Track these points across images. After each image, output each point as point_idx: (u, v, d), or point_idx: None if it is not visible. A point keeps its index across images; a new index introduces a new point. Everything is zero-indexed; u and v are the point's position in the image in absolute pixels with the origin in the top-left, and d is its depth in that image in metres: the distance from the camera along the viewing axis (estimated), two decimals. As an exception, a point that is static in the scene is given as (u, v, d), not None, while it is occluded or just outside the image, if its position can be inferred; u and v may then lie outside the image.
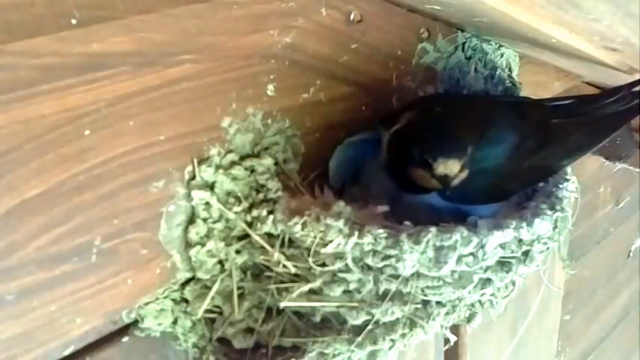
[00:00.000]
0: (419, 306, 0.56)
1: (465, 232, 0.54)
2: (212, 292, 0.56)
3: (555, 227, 0.61)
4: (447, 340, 0.70)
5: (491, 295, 0.61)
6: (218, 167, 0.55)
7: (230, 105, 0.55)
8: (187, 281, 0.57)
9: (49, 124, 0.44)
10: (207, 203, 0.55)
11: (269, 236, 0.56)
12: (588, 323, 1.40)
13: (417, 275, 0.55)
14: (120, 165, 0.49)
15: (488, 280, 0.58)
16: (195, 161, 0.54)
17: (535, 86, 0.89)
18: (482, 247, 0.55)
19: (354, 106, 0.66)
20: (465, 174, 0.56)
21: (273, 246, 0.55)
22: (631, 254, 1.51)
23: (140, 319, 0.55)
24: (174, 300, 0.57)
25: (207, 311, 0.57)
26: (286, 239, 0.55)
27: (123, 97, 0.48)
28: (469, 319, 0.62)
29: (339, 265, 0.53)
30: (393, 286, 0.54)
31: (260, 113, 0.58)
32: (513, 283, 0.62)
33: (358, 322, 0.55)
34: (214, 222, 0.55)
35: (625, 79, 0.69)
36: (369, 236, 0.53)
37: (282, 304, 0.55)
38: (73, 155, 0.46)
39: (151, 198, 0.52)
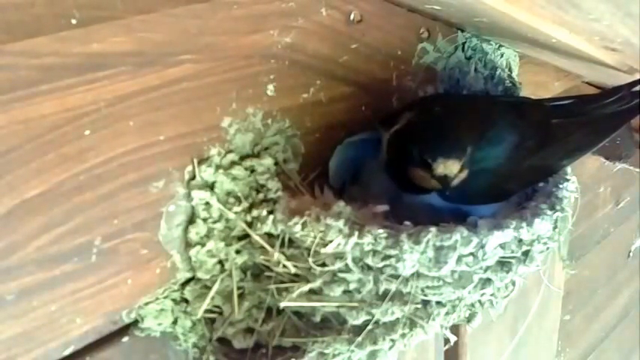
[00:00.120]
0: (419, 306, 0.56)
1: (465, 232, 0.54)
2: (212, 292, 0.56)
3: (555, 227, 0.61)
4: (447, 340, 0.70)
5: (491, 295, 0.61)
6: (218, 167, 0.55)
7: (230, 105, 0.55)
8: (187, 281, 0.57)
9: (49, 124, 0.44)
10: (207, 203, 0.55)
11: (269, 236, 0.56)
12: (588, 323, 1.40)
13: (417, 275, 0.55)
14: (120, 165, 0.49)
15: (488, 280, 0.58)
16: (195, 161, 0.54)
17: (535, 86, 0.89)
18: (483, 247, 0.55)
19: (354, 106, 0.66)
20: (464, 174, 0.56)
21: (273, 246, 0.55)
22: (631, 254, 1.51)
23: (140, 319, 0.55)
24: (174, 300, 0.57)
25: (207, 311, 0.57)
26: (286, 239, 0.55)
27: (123, 97, 0.48)
28: (469, 319, 0.62)
29: (339, 265, 0.53)
30: (393, 286, 0.54)
31: (260, 113, 0.58)
32: (513, 283, 0.62)
33: (358, 322, 0.55)
34: (214, 222, 0.56)
35: (625, 79, 0.69)
36: (369, 236, 0.53)
37: (282, 304, 0.55)
38: (73, 155, 0.46)
39: (151, 198, 0.52)
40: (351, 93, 0.65)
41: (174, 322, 0.57)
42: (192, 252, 0.55)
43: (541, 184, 0.65)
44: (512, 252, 0.58)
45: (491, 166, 0.60)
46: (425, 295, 0.56)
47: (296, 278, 0.55)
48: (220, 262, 0.57)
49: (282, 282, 0.56)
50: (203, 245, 0.55)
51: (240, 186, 0.56)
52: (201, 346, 0.58)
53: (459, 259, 0.55)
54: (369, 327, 0.55)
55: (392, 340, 0.56)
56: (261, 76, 0.57)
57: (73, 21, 0.43)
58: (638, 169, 1.17)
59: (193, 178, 0.54)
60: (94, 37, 0.45)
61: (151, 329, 0.56)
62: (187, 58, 0.51)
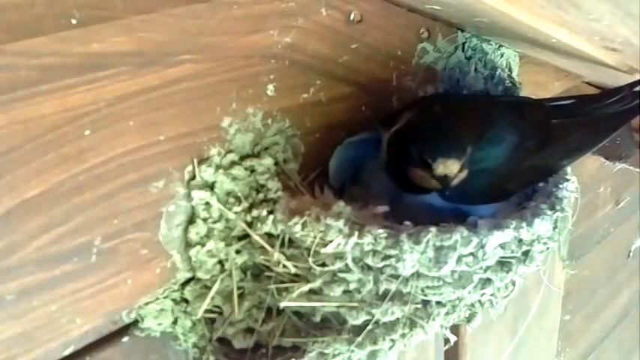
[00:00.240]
0: (419, 306, 0.56)
1: (465, 232, 0.54)
2: (212, 292, 0.56)
3: (555, 227, 0.61)
4: (447, 340, 0.70)
5: (491, 295, 0.61)
6: (218, 167, 0.55)
7: (230, 105, 0.55)
8: (187, 281, 0.57)
9: (49, 124, 0.44)
10: (207, 203, 0.55)
11: (269, 236, 0.56)
12: (588, 323, 1.40)
13: (417, 275, 0.55)
14: (120, 165, 0.49)
15: (488, 280, 0.58)
16: (195, 161, 0.54)
17: (535, 86, 0.89)
18: (483, 247, 0.55)
19: (354, 106, 0.66)
20: (464, 174, 0.56)
21: (273, 246, 0.55)
22: (631, 254, 1.51)
23: (140, 319, 0.55)
24: (174, 300, 0.57)
25: (207, 311, 0.57)
26: (286, 239, 0.55)
27: (123, 97, 0.48)
28: (469, 319, 0.62)
29: (339, 265, 0.53)
30: (393, 286, 0.54)
31: (260, 113, 0.58)
32: (513, 283, 0.62)
33: (358, 322, 0.55)
34: (214, 222, 0.56)
35: (625, 79, 0.69)
36: (369, 236, 0.53)
37: (282, 304, 0.55)
38: (73, 155, 0.46)
39: (151, 198, 0.52)
40: (351, 93, 0.65)
41: (174, 322, 0.57)
42: (192, 252, 0.55)
43: (541, 184, 0.65)
44: (512, 252, 0.58)
45: (491, 166, 0.60)
46: (425, 295, 0.56)
47: (296, 278, 0.55)
48: (220, 262, 0.57)
49: (282, 282, 0.56)
50: (203, 245, 0.55)
51: (240, 186, 0.56)
52: (201, 346, 0.58)
53: (459, 259, 0.55)
54: (369, 327, 0.55)
55: (392, 340, 0.56)
56: (261, 76, 0.57)
57: (73, 21, 0.43)
58: (638, 169, 1.16)
59: (193, 178, 0.54)
60: (94, 37, 0.45)
61: (151, 329, 0.56)
62: (187, 58, 0.51)
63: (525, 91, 0.82)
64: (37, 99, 0.43)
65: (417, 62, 0.70)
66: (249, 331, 0.58)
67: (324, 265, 0.54)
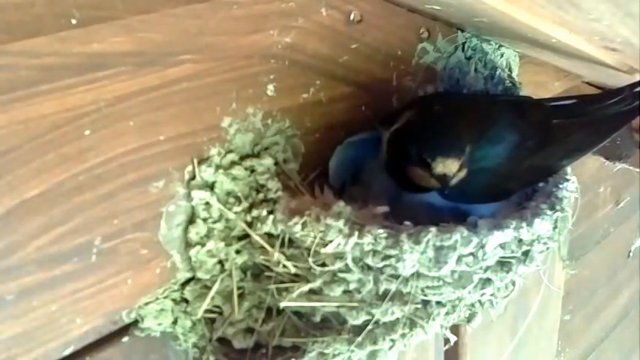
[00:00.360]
0: (419, 306, 0.56)
1: (465, 232, 0.54)
2: (212, 292, 0.56)
3: (555, 227, 0.61)
4: (447, 340, 0.70)
5: (491, 295, 0.61)
6: (218, 167, 0.55)
7: (230, 105, 0.55)
8: (187, 281, 0.57)
9: (49, 124, 0.44)
10: (207, 203, 0.55)
11: (269, 236, 0.56)
12: (588, 323, 1.40)
13: (417, 275, 0.55)
14: (120, 165, 0.49)
15: (488, 280, 0.58)
16: (195, 161, 0.54)
17: (535, 86, 0.89)
18: (483, 247, 0.55)
19: (354, 106, 0.66)
20: (463, 173, 0.56)
21: (273, 246, 0.55)
22: (631, 254, 1.51)
23: (140, 319, 0.55)
24: (174, 300, 0.57)
25: (207, 311, 0.57)
26: (286, 239, 0.55)
27: (123, 97, 0.48)
28: (469, 319, 0.62)
29: (339, 265, 0.53)
30: (393, 286, 0.54)
31: (260, 113, 0.58)
32: (513, 283, 0.62)
33: (358, 322, 0.55)
34: (214, 222, 0.55)
35: (625, 79, 0.69)
36: (369, 236, 0.53)
37: (282, 304, 0.55)
38: (73, 155, 0.46)
39: (151, 198, 0.52)
40: (351, 93, 0.65)
41: (174, 322, 0.57)
42: (192, 252, 0.55)
43: (541, 184, 0.65)
44: (512, 252, 0.58)
45: (491, 165, 0.60)
46: (425, 295, 0.56)
47: (296, 278, 0.55)
48: (220, 262, 0.57)
49: (282, 282, 0.56)
50: (203, 245, 0.55)
51: (240, 186, 0.56)
52: (201, 346, 0.58)
53: (459, 259, 0.55)
54: (369, 327, 0.55)
55: (392, 340, 0.56)
56: (261, 76, 0.57)
57: (73, 21, 0.43)
58: (638, 169, 1.16)
59: (193, 178, 0.54)
60: (94, 37, 0.44)
61: (151, 329, 0.56)
62: (187, 58, 0.51)
63: (525, 91, 0.82)
64: (37, 99, 0.43)
65: (417, 62, 0.70)
66: (249, 331, 0.58)
67: (324, 265, 0.54)
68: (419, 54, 0.70)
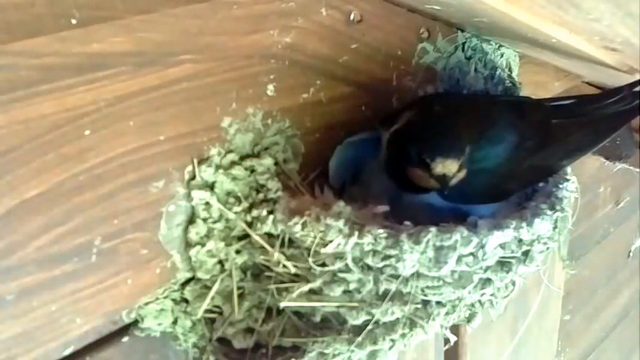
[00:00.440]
0: (419, 306, 0.56)
1: (465, 232, 0.54)
2: (212, 292, 0.56)
3: (555, 227, 0.61)
4: (447, 340, 0.70)
5: (491, 295, 0.61)
6: (218, 167, 0.55)
7: (230, 105, 0.55)
8: (187, 281, 0.57)
9: (49, 124, 0.44)
10: (207, 203, 0.55)
11: (269, 236, 0.56)
12: (588, 323, 1.40)
13: (417, 275, 0.55)
14: (120, 165, 0.49)
15: (488, 280, 0.58)
16: (195, 161, 0.54)
17: (535, 86, 0.89)
18: (483, 247, 0.55)
19: (354, 106, 0.66)
20: (463, 173, 0.56)
21: (273, 246, 0.55)
22: (631, 254, 1.51)
23: (140, 319, 0.55)
24: (174, 300, 0.57)
25: (207, 311, 0.57)
26: (286, 239, 0.55)
27: (123, 97, 0.48)
28: (469, 319, 0.62)
29: (339, 265, 0.53)
30: (393, 286, 0.54)
31: (260, 113, 0.58)
32: (513, 283, 0.62)
33: (358, 322, 0.55)
34: (214, 222, 0.55)
35: (625, 79, 0.69)
36: (369, 236, 0.53)
37: (282, 304, 0.55)
38: (73, 155, 0.46)
39: (151, 198, 0.52)
40: (351, 93, 0.65)
41: (174, 322, 0.57)
42: (192, 252, 0.55)
43: (541, 184, 0.65)
44: (512, 252, 0.58)
45: (490, 165, 0.60)
46: (425, 295, 0.56)
47: (296, 278, 0.55)
48: (220, 262, 0.57)
49: (282, 282, 0.56)
50: (203, 245, 0.55)
51: (240, 186, 0.56)
52: (201, 346, 0.58)
53: (459, 259, 0.55)
54: (369, 327, 0.55)
55: (392, 340, 0.56)
56: (261, 76, 0.57)
57: (73, 21, 0.43)
58: (638, 169, 1.17)
59: (193, 178, 0.54)
60: (94, 37, 0.44)
61: (151, 329, 0.56)
62: (187, 58, 0.51)
63: (525, 91, 0.82)
64: (37, 99, 0.43)
65: (417, 62, 0.70)
66: (249, 331, 0.58)
67: (324, 265, 0.54)
68: (419, 54, 0.70)
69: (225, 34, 0.53)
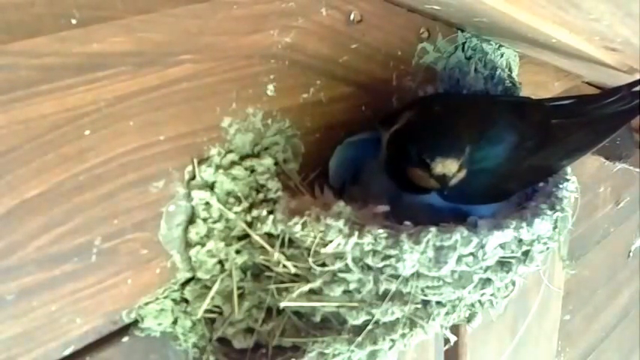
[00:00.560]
0: (419, 306, 0.56)
1: (465, 232, 0.54)
2: (212, 292, 0.56)
3: (555, 227, 0.61)
4: (447, 340, 0.70)
5: (491, 295, 0.61)
6: (218, 167, 0.55)
7: (230, 105, 0.55)
8: (187, 281, 0.57)
9: (49, 124, 0.44)
10: (207, 203, 0.55)
11: (269, 236, 0.56)
12: (588, 323, 1.40)
13: (417, 275, 0.55)
14: (120, 165, 0.49)
15: (488, 280, 0.58)
16: (195, 161, 0.54)
17: (535, 86, 0.89)
18: (483, 247, 0.55)
19: (354, 106, 0.66)
20: (462, 174, 0.56)
21: (273, 246, 0.55)
22: (631, 254, 1.51)
23: (140, 319, 0.55)
24: (174, 300, 0.57)
25: (207, 311, 0.57)
26: (286, 239, 0.55)
27: (123, 97, 0.48)
28: (469, 319, 0.62)
29: (339, 265, 0.53)
30: (393, 286, 0.54)
31: (260, 113, 0.58)
32: (513, 283, 0.62)
33: (358, 322, 0.55)
34: (214, 222, 0.55)
35: (625, 79, 0.69)
36: (369, 236, 0.53)
37: (282, 304, 0.55)
38: (73, 155, 0.46)
39: (151, 198, 0.52)
40: (351, 93, 0.65)
41: (174, 322, 0.57)
42: (192, 252, 0.55)
43: (541, 184, 0.65)
44: (512, 252, 0.58)
45: (490, 165, 0.60)
46: (425, 295, 0.56)
47: (296, 278, 0.55)
48: (220, 262, 0.57)
49: (282, 282, 0.56)
50: (203, 245, 0.55)
51: (240, 186, 0.56)
52: (201, 346, 0.58)
53: (459, 259, 0.55)
54: (369, 327, 0.55)
55: (392, 340, 0.56)
56: (261, 76, 0.57)
57: (73, 21, 0.43)
58: (638, 169, 1.17)
59: (193, 178, 0.54)
60: (94, 37, 0.44)
61: (151, 329, 0.56)
62: (187, 58, 0.51)
63: (525, 91, 0.82)
64: (37, 99, 0.43)
65: (417, 62, 0.70)
66: (249, 331, 0.58)
67: (324, 265, 0.54)
68: (419, 54, 0.70)
69: (225, 34, 0.53)
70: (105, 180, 0.49)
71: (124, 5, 0.45)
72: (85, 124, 0.46)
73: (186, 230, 0.55)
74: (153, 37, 0.48)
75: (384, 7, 0.66)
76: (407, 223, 0.55)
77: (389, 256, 0.53)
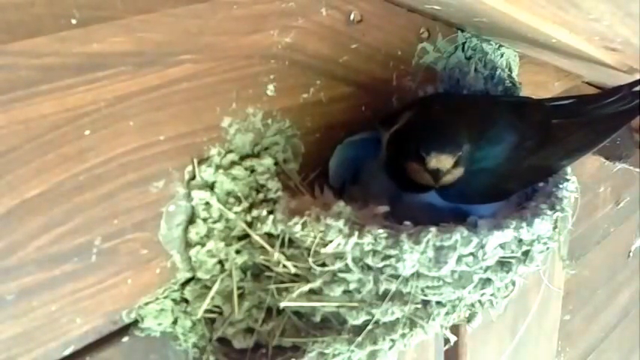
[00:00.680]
0: (419, 306, 0.56)
1: (465, 232, 0.54)
2: (212, 292, 0.56)
3: (555, 227, 0.61)
4: (447, 340, 0.70)
5: (491, 295, 0.61)
6: (218, 167, 0.55)
7: (230, 105, 0.55)
8: (187, 281, 0.57)
9: (49, 124, 0.44)
10: (207, 203, 0.55)
11: (269, 236, 0.56)
12: (588, 323, 1.40)
13: (417, 275, 0.55)
14: (120, 165, 0.49)
15: (488, 280, 0.58)
16: (195, 161, 0.54)
17: (535, 86, 0.89)
18: (483, 247, 0.55)
19: (354, 106, 0.66)
20: (459, 172, 0.57)
21: (273, 246, 0.55)
22: (631, 254, 1.51)
23: (140, 319, 0.55)
24: (174, 300, 0.57)
25: (207, 311, 0.57)
26: (286, 239, 0.55)
27: (123, 97, 0.48)
28: (469, 319, 0.62)
29: (339, 265, 0.53)
30: (393, 286, 0.54)
31: (260, 113, 0.58)
32: (513, 283, 0.62)
33: (358, 322, 0.55)
34: (214, 222, 0.56)
35: (625, 79, 0.69)
36: (369, 236, 0.53)
37: (282, 304, 0.55)
38: (73, 155, 0.46)
39: (151, 198, 0.52)
40: (351, 93, 0.65)
41: (174, 322, 0.57)
42: (192, 252, 0.55)
43: (541, 184, 0.65)
44: (512, 252, 0.58)
45: (490, 165, 0.60)
46: (425, 295, 0.56)
47: (296, 278, 0.55)
48: (220, 262, 0.57)
49: (282, 282, 0.56)
50: (203, 245, 0.55)
51: (240, 186, 0.56)
52: (201, 346, 0.58)
53: (459, 259, 0.55)
54: (369, 327, 0.55)
55: (392, 340, 0.56)
56: (261, 76, 0.57)
57: (73, 21, 0.43)
58: (638, 169, 1.17)
59: (193, 178, 0.54)
60: (94, 37, 0.44)
61: (151, 329, 0.56)
62: (187, 58, 0.51)
63: (525, 91, 0.82)
64: (37, 99, 0.43)
65: (417, 62, 0.70)
66: (249, 331, 0.58)
67: (324, 265, 0.54)
68: (419, 54, 0.70)
69: (225, 34, 0.53)
70: (105, 180, 0.49)
71: (124, 5, 0.45)
72: (85, 124, 0.46)
73: (186, 230, 0.55)
74: (153, 37, 0.48)
75: (384, 7, 0.66)
76: (407, 223, 0.55)
77: (389, 256, 0.53)
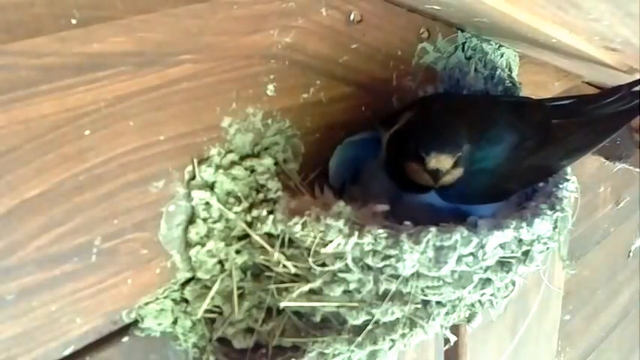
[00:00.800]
0: (419, 306, 0.56)
1: (465, 232, 0.54)
2: (212, 292, 0.56)
3: (555, 227, 0.61)
4: (447, 340, 0.70)
5: (491, 295, 0.61)
6: (218, 167, 0.55)
7: (230, 105, 0.55)
8: (187, 281, 0.57)
9: (49, 124, 0.44)
10: (207, 203, 0.55)
11: (269, 236, 0.56)
12: (588, 323, 1.40)
13: (417, 275, 0.55)
14: (120, 165, 0.49)
15: (488, 280, 0.58)
16: (195, 161, 0.54)
17: (535, 86, 0.89)
18: (483, 247, 0.55)
19: (354, 106, 0.66)
20: (458, 172, 0.57)
21: (273, 246, 0.55)
22: (631, 254, 1.51)
23: (140, 319, 0.55)
24: (174, 300, 0.57)
25: (207, 311, 0.57)
26: (286, 239, 0.55)
27: (123, 97, 0.48)
28: (469, 319, 0.62)
29: (339, 265, 0.53)
30: (393, 286, 0.54)
31: (260, 113, 0.58)
32: (513, 283, 0.62)
33: (358, 322, 0.55)
34: (214, 222, 0.56)
35: (625, 79, 0.69)
36: (369, 236, 0.53)
37: (282, 304, 0.55)
38: (73, 155, 0.46)
39: (151, 198, 0.52)
40: (351, 93, 0.65)
41: (174, 322, 0.57)
42: (192, 252, 0.55)
43: (541, 184, 0.65)
44: (512, 252, 0.58)
45: (490, 165, 0.60)
46: (425, 295, 0.56)
47: (296, 278, 0.55)
48: (220, 262, 0.57)
49: (282, 282, 0.56)
50: (203, 245, 0.55)
51: (240, 186, 0.56)
52: (201, 346, 0.58)
53: (459, 259, 0.55)
54: (369, 327, 0.55)
55: (392, 340, 0.56)
56: (261, 76, 0.57)
57: (73, 21, 0.43)
58: (638, 169, 1.17)
59: (193, 178, 0.54)
60: (94, 37, 0.45)
61: (151, 329, 0.56)
62: (187, 58, 0.51)
63: (525, 91, 0.82)
64: (37, 99, 0.43)
65: (417, 62, 0.70)
66: (249, 331, 0.58)
67: (324, 265, 0.54)
68: (419, 54, 0.70)
69: (225, 34, 0.53)
70: (105, 180, 0.49)
71: (124, 5, 0.45)
72: (85, 124, 0.46)
73: (186, 230, 0.55)
74: (153, 37, 0.48)
75: (384, 7, 0.66)
76: (407, 223, 0.55)
77: (389, 256, 0.53)
